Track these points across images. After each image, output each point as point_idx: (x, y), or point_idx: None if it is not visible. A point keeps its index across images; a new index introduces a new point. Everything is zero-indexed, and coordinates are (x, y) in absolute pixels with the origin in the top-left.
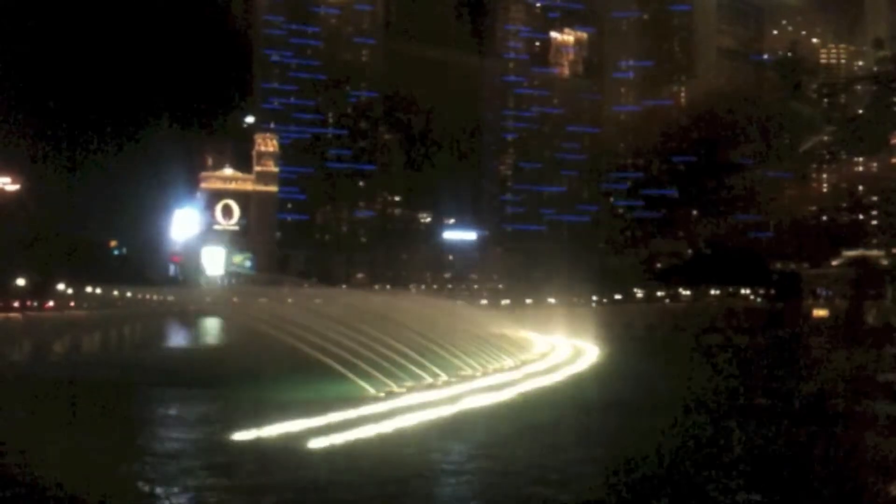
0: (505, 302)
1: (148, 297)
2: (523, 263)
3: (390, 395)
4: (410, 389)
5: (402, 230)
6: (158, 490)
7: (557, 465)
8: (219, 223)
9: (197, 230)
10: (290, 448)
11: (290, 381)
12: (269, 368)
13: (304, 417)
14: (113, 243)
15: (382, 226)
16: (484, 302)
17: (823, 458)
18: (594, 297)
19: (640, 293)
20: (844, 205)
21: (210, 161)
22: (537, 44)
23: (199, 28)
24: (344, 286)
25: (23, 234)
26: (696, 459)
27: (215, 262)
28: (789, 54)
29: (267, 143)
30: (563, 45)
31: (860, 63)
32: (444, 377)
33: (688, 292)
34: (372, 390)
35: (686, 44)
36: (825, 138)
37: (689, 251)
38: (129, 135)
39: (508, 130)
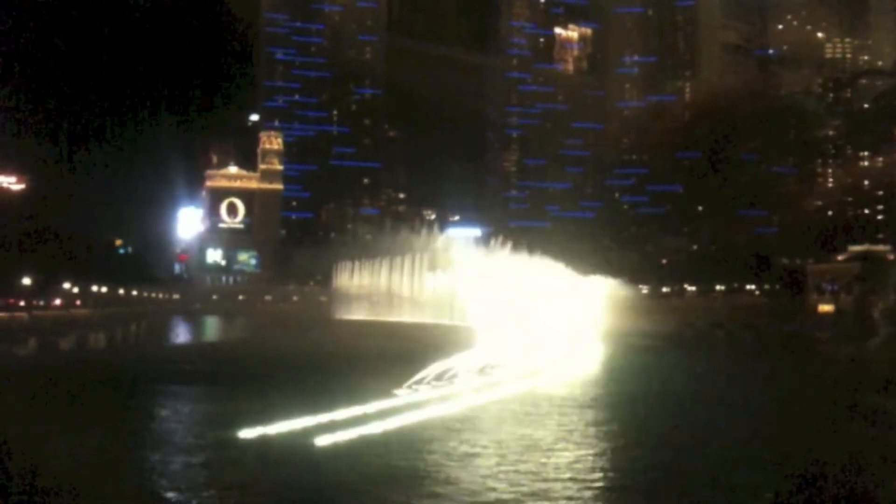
0: None
1: (154, 295)
2: None
3: (398, 391)
4: (418, 385)
5: (407, 227)
6: (164, 488)
7: (557, 460)
8: (224, 221)
9: (202, 228)
10: (296, 445)
11: (297, 377)
12: (275, 365)
13: (311, 414)
14: (118, 242)
15: (387, 223)
16: None
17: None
18: None
19: (644, 289)
20: (849, 199)
21: (215, 159)
22: (541, 40)
23: (204, 27)
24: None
25: (28, 232)
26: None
27: (220, 260)
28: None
29: (271, 141)
30: (566, 42)
31: (865, 57)
32: (455, 373)
33: (692, 288)
34: (380, 386)
35: (690, 39)
36: (830, 133)
37: (694, 247)
38: (134, 133)
39: (512, 127)
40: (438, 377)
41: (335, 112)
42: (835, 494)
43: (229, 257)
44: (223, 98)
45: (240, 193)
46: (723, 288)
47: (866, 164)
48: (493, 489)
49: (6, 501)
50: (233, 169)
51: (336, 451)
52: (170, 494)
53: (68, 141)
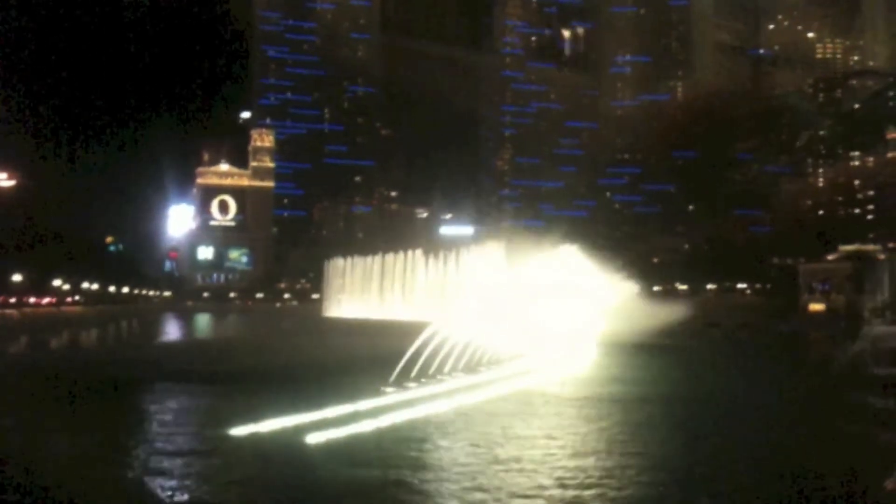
0: None
1: (145, 292)
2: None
3: (388, 388)
4: (410, 384)
5: (400, 225)
6: (154, 485)
7: (551, 458)
8: (215, 219)
9: (193, 226)
10: (287, 443)
11: (288, 375)
12: (265, 363)
13: (302, 412)
14: (110, 239)
15: (380, 221)
16: None
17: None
18: None
19: (636, 289)
20: (840, 199)
21: (206, 157)
22: (535, 39)
23: (197, 25)
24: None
25: (19, 230)
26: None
27: (212, 257)
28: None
29: (263, 139)
30: (560, 41)
31: (856, 58)
32: (444, 372)
33: (685, 287)
34: (370, 384)
35: (683, 39)
36: (822, 133)
37: (687, 246)
38: (127, 131)
39: (506, 126)
40: (429, 375)
41: (328, 110)
42: (833, 494)
43: (220, 255)
44: (221, 97)
45: (231, 191)
46: (714, 287)
47: (857, 163)
48: (487, 488)
49: (5, 499)
50: (224, 166)
51: (328, 449)
52: (161, 492)
53: (67, 140)
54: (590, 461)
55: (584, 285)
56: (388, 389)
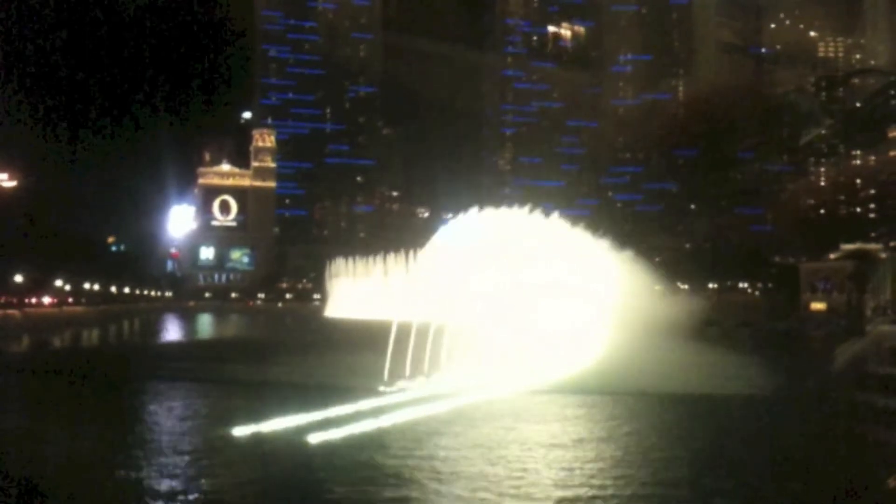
0: None
1: (147, 292)
2: None
3: (390, 389)
4: (410, 384)
5: (401, 225)
6: (157, 484)
7: (554, 460)
8: (217, 219)
9: (194, 226)
10: (289, 443)
11: (290, 375)
12: (266, 363)
13: (304, 412)
14: (111, 239)
15: (381, 221)
16: None
17: None
18: None
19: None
20: (842, 198)
21: (208, 157)
22: (536, 38)
23: (198, 25)
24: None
25: (20, 230)
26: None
27: (213, 258)
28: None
29: (265, 139)
30: (561, 39)
31: (858, 56)
32: (442, 371)
33: (686, 286)
34: (372, 385)
35: (685, 37)
36: (823, 132)
37: (688, 245)
38: (128, 131)
39: (507, 125)
40: (427, 374)
41: (329, 110)
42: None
43: (222, 255)
44: (221, 97)
45: (233, 191)
46: (716, 286)
47: (859, 162)
48: (481, 486)
49: (5, 499)
50: (225, 166)
51: (329, 449)
52: (164, 491)
53: (67, 140)
54: (592, 459)
55: (588, 284)
56: (387, 389)
